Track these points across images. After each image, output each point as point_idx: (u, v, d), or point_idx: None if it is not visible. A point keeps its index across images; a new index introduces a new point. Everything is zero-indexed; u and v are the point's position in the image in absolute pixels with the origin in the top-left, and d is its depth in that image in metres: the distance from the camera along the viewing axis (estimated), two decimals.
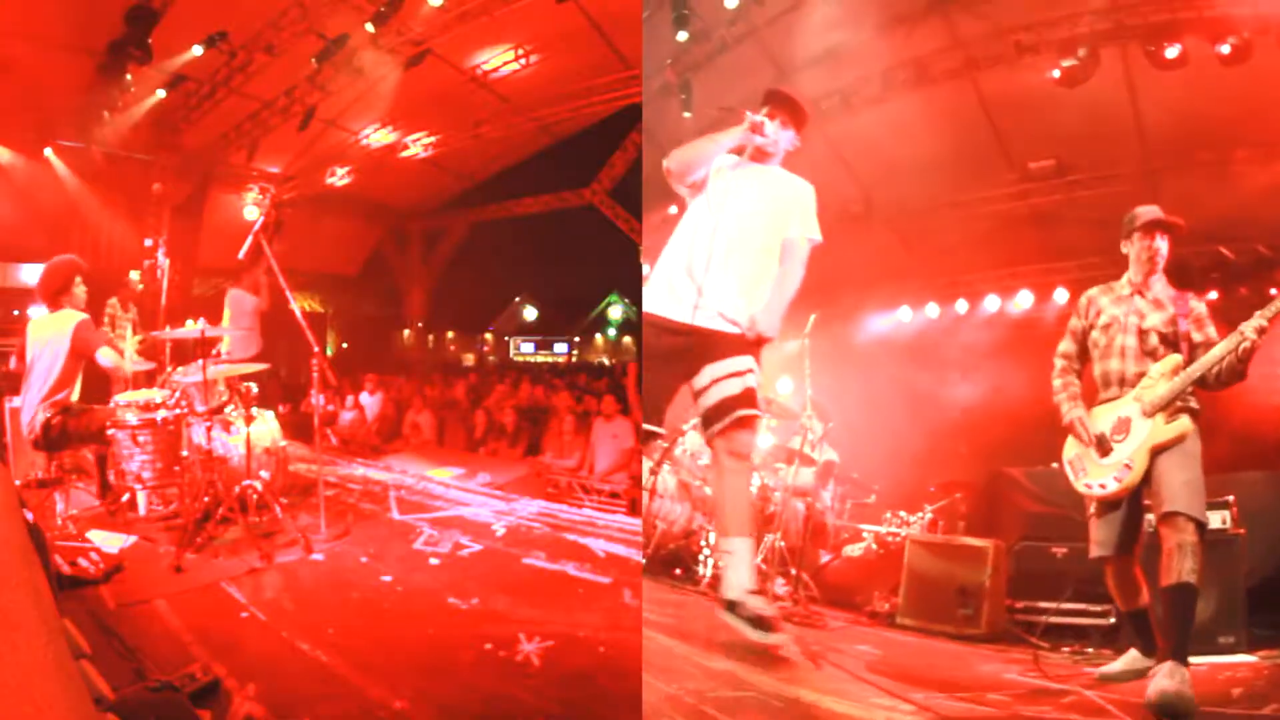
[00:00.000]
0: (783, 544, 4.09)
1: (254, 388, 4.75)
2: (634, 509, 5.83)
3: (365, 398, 8.90)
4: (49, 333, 4.03)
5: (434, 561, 4.03)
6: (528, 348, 17.56)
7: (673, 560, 4.19)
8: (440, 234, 13.15)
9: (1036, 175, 5.84)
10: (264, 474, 4.44)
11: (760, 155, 2.80)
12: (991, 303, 6.26)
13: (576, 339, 17.56)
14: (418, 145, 9.13)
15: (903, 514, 4.74)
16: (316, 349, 4.35)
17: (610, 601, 3.56)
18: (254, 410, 4.62)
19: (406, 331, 13.37)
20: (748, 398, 2.55)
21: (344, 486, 5.60)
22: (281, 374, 9.71)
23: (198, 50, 7.00)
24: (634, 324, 16.21)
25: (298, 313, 4.49)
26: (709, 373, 2.56)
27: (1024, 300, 6.18)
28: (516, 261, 14.19)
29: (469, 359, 15.09)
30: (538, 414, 8.30)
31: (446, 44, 7.54)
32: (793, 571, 4.01)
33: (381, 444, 8.17)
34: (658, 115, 6.86)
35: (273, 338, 6.79)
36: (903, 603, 3.87)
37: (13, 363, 4.24)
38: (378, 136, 9.64)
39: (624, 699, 2.69)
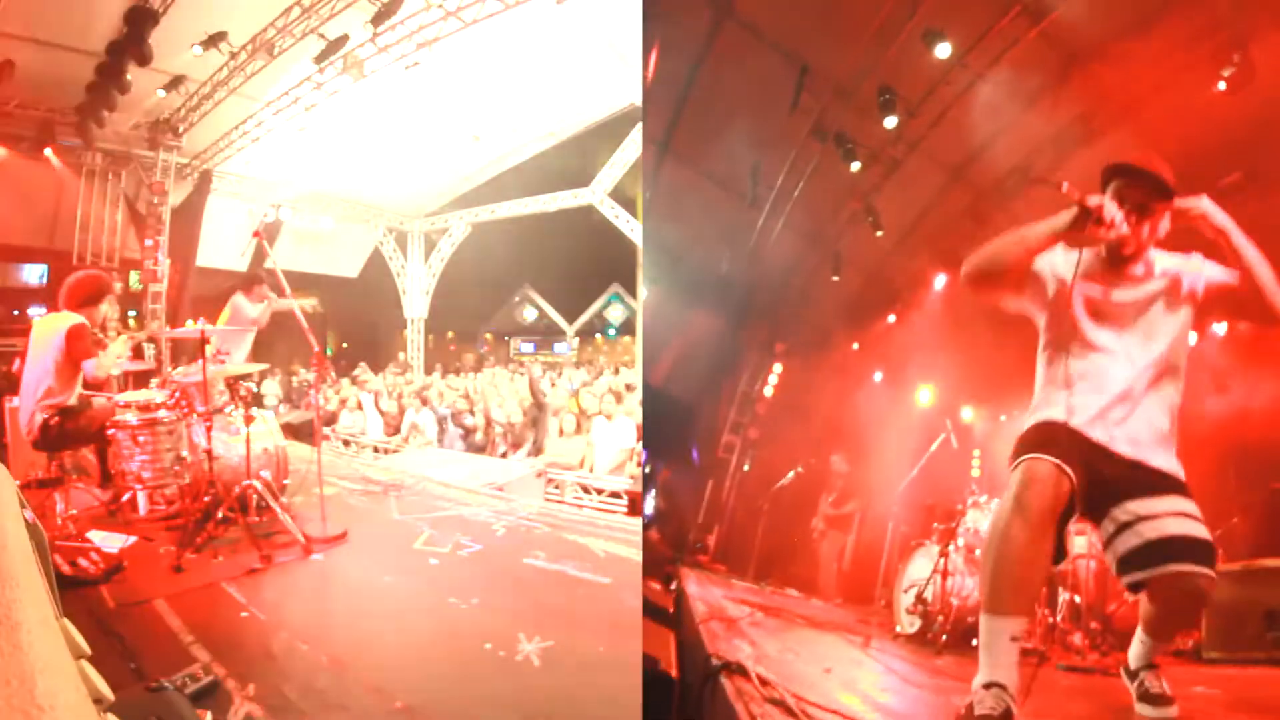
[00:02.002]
0: (1078, 599, 4.14)
1: (254, 388, 4.75)
2: (634, 509, 5.83)
3: (365, 398, 8.90)
4: (45, 334, 4.04)
5: (434, 561, 4.03)
6: (528, 348, 17.55)
7: (972, 632, 4.26)
8: (440, 234, 13.16)
9: (1229, 191, 5.77)
10: (264, 474, 4.44)
11: (1121, 258, 2.20)
12: (1220, 326, 6.19)
13: (576, 339, 17.53)
14: (417, 145, 9.13)
15: None
16: (316, 349, 4.35)
17: (610, 601, 3.56)
18: (254, 410, 4.63)
19: (406, 331, 13.36)
20: (1205, 551, 1.99)
21: (344, 486, 5.60)
22: (281, 374, 9.72)
23: (198, 50, 7.00)
24: (633, 324, 16.19)
25: (298, 313, 4.50)
26: (1169, 503, 2.04)
27: None
28: (516, 261, 14.16)
29: (469, 359, 15.06)
30: (537, 414, 8.30)
31: (446, 44, 7.54)
32: (1092, 626, 4.06)
33: (382, 444, 8.18)
34: (851, 241, 7.22)
35: (273, 338, 6.79)
36: (1207, 636, 3.71)
37: (16, 364, 4.24)
38: (378, 136, 9.64)
39: (624, 699, 2.69)
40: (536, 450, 7.59)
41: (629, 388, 7.51)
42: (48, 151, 7.85)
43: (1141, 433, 2.13)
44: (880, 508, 6.39)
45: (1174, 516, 2.00)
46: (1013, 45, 5.38)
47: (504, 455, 7.87)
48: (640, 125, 9.69)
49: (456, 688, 2.73)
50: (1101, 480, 2.07)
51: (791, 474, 7.16)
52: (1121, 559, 2.08)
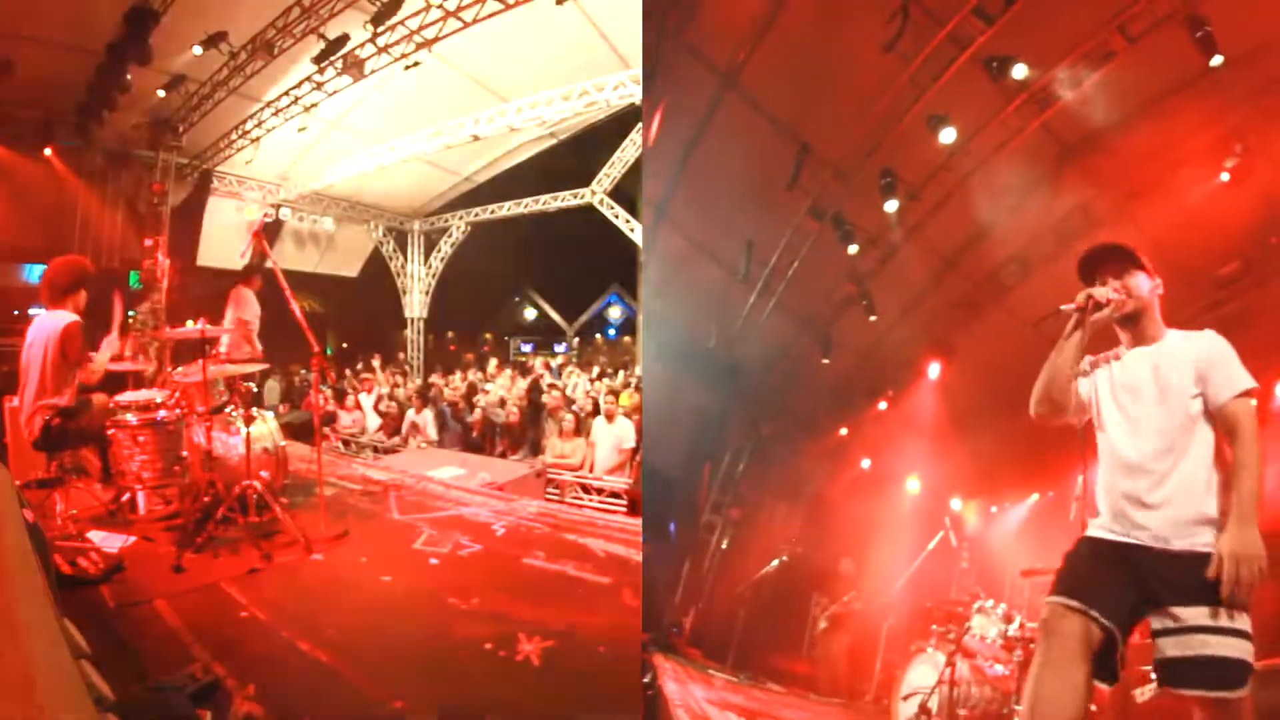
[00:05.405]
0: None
1: (254, 387, 4.75)
2: (634, 509, 5.84)
3: (364, 398, 8.91)
4: (43, 334, 4.03)
5: (434, 561, 4.03)
6: (527, 348, 17.55)
7: None
8: (440, 234, 13.16)
9: (1225, 281, 5.71)
10: (264, 474, 4.44)
11: (1138, 333, 2.31)
12: None
13: (576, 339, 17.53)
14: (418, 145, 9.12)
15: None
16: (316, 349, 4.35)
17: (610, 601, 3.56)
18: (254, 410, 4.63)
19: (406, 331, 13.36)
20: (1236, 672, 1.95)
21: (344, 486, 5.60)
22: (281, 374, 9.72)
23: (198, 50, 7.00)
24: (633, 324, 16.19)
25: (298, 313, 4.50)
26: (1193, 614, 2.00)
27: None
28: (516, 261, 14.17)
29: (469, 359, 15.07)
30: (537, 414, 8.30)
31: (446, 44, 7.53)
32: None
33: (382, 444, 8.18)
34: (843, 324, 7.09)
35: (273, 338, 6.79)
36: None
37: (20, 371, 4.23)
38: (378, 137, 9.64)
39: (624, 699, 2.69)
40: (536, 450, 7.59)
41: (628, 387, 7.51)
42: (48, 151, 7.85)
43: (1180, 510, 2.10)
44: (872, 602, 6.17)
45: (1201, 633, 1.98)
46: (1017, 133, 5.40)
47: (503, 455, 7.87)
48: (640, 126, 9.70)
49: (457, 688, 2.73)
50: (1145, 582, 2.08)
51: (776, 562, 6.98)
52: (1155, 664, 2.10)
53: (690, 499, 7.95)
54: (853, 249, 6.27)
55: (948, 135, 5.34)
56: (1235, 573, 1.95)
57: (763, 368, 7.60)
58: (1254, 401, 2.14)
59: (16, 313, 7.24)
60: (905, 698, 4.47)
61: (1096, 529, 2.24)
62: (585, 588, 3.73)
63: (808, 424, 8.04)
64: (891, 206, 5.84)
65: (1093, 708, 3.42)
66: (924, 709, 4.26)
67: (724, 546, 7.84)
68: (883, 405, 7.62)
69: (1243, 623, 1.97)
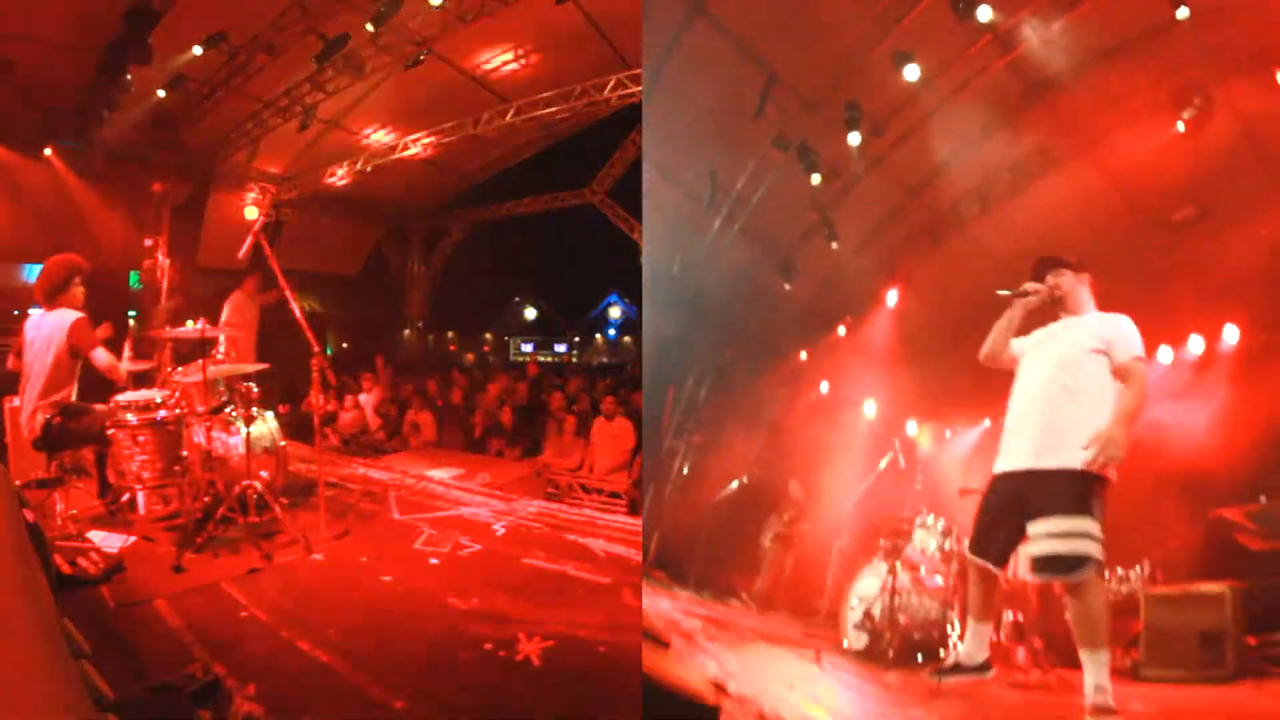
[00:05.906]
0: (1020, 617, 4.23)
1: (254, 387, 4.75)
2: (634, 509, 5.84)
3: (364, 398, 8.90)
4: (45, 332, 4.03)
5: (434, 561, 4.03)
6: (528, 348, 17.56)
7: (918, 647, 4.38)
8: (440, 234, 13.16)
9: (1180, 225, 5.87)
10: (264, 474, 4.44)
11: (1068, 312, 3.08)
12: (1165, 354, 6.06)
13: (576, 339, 17.54)
14: (418, 145, 9.12)
15: (1119, 570, 4.70)
16: (316, 349, 4.35)
17: (610, 601, 3.56)
18: (254, 410, 4.63)
19: (406, 331, 13.36)
20: (1073, 563, 2.68)
21: (344, 486, 5.60)
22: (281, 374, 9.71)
23: (198, 50, 6.99)
24: (634, 324, 16.20)
25: (298, 313, 4.50)
26: (1044, 526, 2.76)
27: (1196, 345, 6.05)
28: (516, 261, 14.19)
29: (469, 359, 15.08)
30: (537, 414, 8.30)
31: (446, 44, 7.53)
32: (1035, 643, 4.13)
33: (382, 444, 8.18)
34: (806, 252, 7.31)
35: (273, 338, 6.79)
36: (1145, 656, 3.96)
37: (10, 362, 4.23)
38: (378, 136, 9.64)
39: (624, 699, 2.69)
40: (536, 450, 7.60)
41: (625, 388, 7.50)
42: (48, 151, 7.85)
43: (1075, 435, 2.77)
44: (825, 521, 6.22)
45: (1047, 538, 2.75)
46: (980, 73, 5.44)
47: (502, 455, 7.87)
48: (639, 126, 9.71)
49: (457, 688, 2.74)
50: (1028, 503, 2.83)
51: (735, 484, 7.03)
52: (1028, 559, 2.89)
53: (653, 425, 7.81)
54: (816, 179, 6.28)
55: (911, 72, 5.36)
56: (1102, 450, 2.69)
57: (726, 293, 7.56)
58: (1143, 364, 2.88)
59: (16, 313, 7.23)
60: (852, 607, 4.74)
61: (1005, 463, 2.97)
62: (585, 588, 3.73)
63: (769, 349, 8.01)
64: (855, 139, 5.87)
65: (1020, 618, 4.25)
66: (868, 615, 4.58)
67: (685, 472, 7.81)
68: (842, 331, 7.68)
69: (1087, 526, 2.70)
